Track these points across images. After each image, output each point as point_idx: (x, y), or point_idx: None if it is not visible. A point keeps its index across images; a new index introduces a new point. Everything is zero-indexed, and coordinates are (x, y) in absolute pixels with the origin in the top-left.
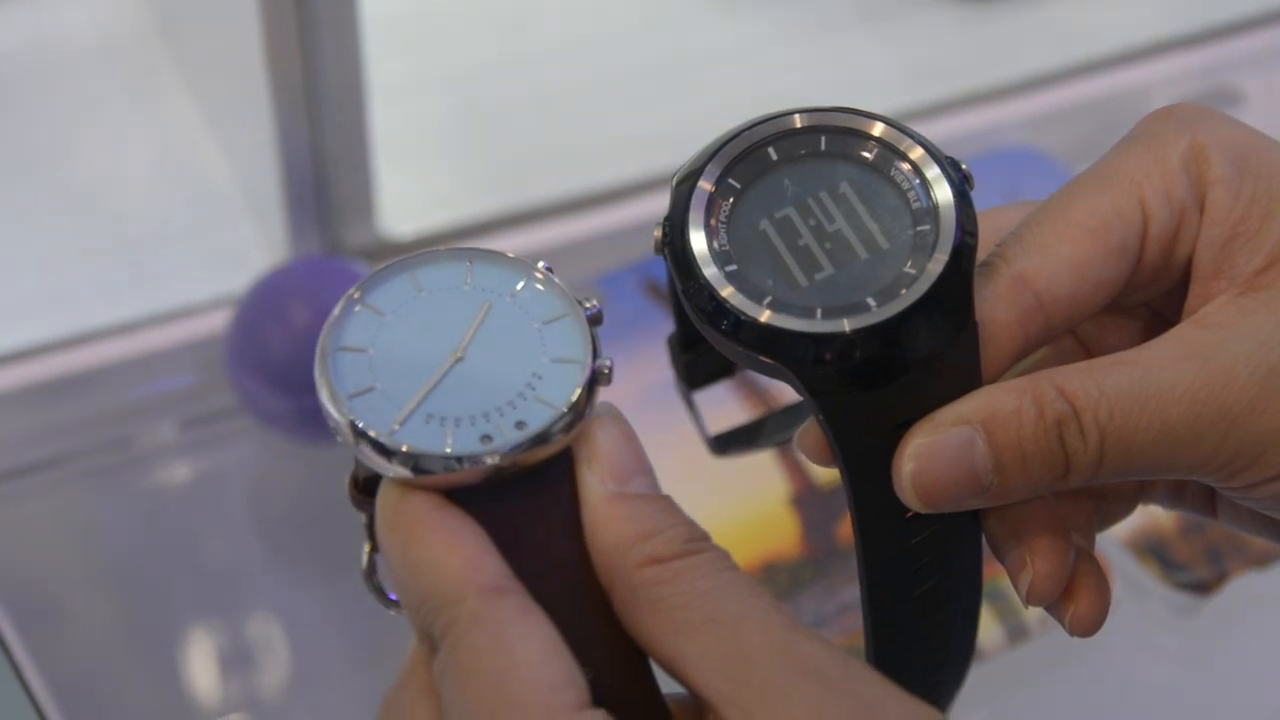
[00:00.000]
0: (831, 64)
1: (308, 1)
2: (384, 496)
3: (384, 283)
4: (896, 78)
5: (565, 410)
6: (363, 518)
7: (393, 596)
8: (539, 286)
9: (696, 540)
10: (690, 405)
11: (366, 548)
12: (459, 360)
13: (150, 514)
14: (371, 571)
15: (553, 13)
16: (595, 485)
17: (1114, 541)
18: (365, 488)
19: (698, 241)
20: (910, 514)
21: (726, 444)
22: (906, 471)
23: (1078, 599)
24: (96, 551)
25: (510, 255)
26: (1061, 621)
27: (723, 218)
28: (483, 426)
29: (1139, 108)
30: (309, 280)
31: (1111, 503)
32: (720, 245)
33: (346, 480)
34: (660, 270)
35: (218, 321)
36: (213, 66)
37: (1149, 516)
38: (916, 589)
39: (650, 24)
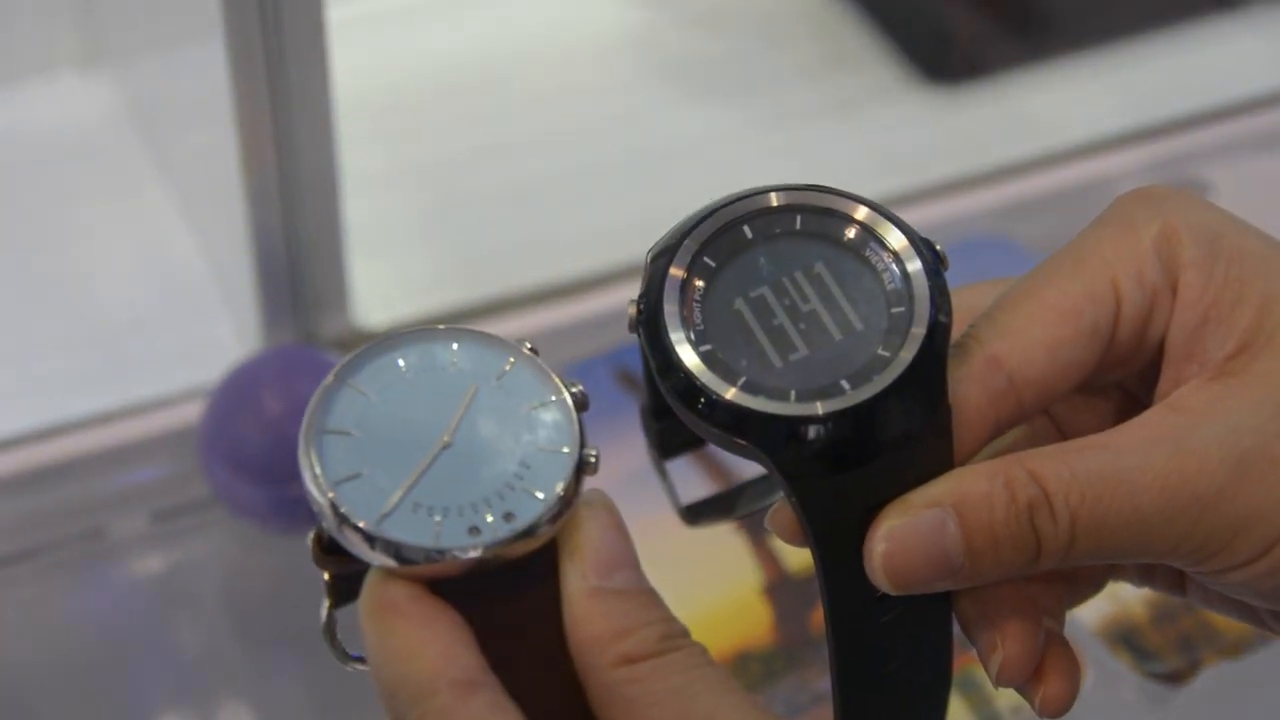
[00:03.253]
0: (802, 154)
1: (282, 93)
2: (368, 583)
3: (369, 363)
4: (867, 167)
5: (553, 502)
6: (324, 575)
7: (353, 654)
8: (525, 369)
9: (672, 638)
10: (663, 475)
11: (326, 604)
12: (446, 446)
13: (123, 605)
14: (330, 629)
15: (525, 105)
16: (576, 580)
17: (1086, 630)
18: (328, 547)
19: (672, 320)
20: (881, 594)
21: (699, 514)
22: (878, 553)
23: (1048, 680)
24: (70, 643)
25: (496, 336)
26: (1031, 703)
27: (697, 296)
28: (470, 518)
29: (1108, 197)
30: (281, 370)
31: (1081, 582)
32: (695, 325)
33: (310, 537)
34: (632, 359)
35: (191, 413)
36: (187, 158)
37: (1121, 606)
38: (886, 668)
39: (622, 116)
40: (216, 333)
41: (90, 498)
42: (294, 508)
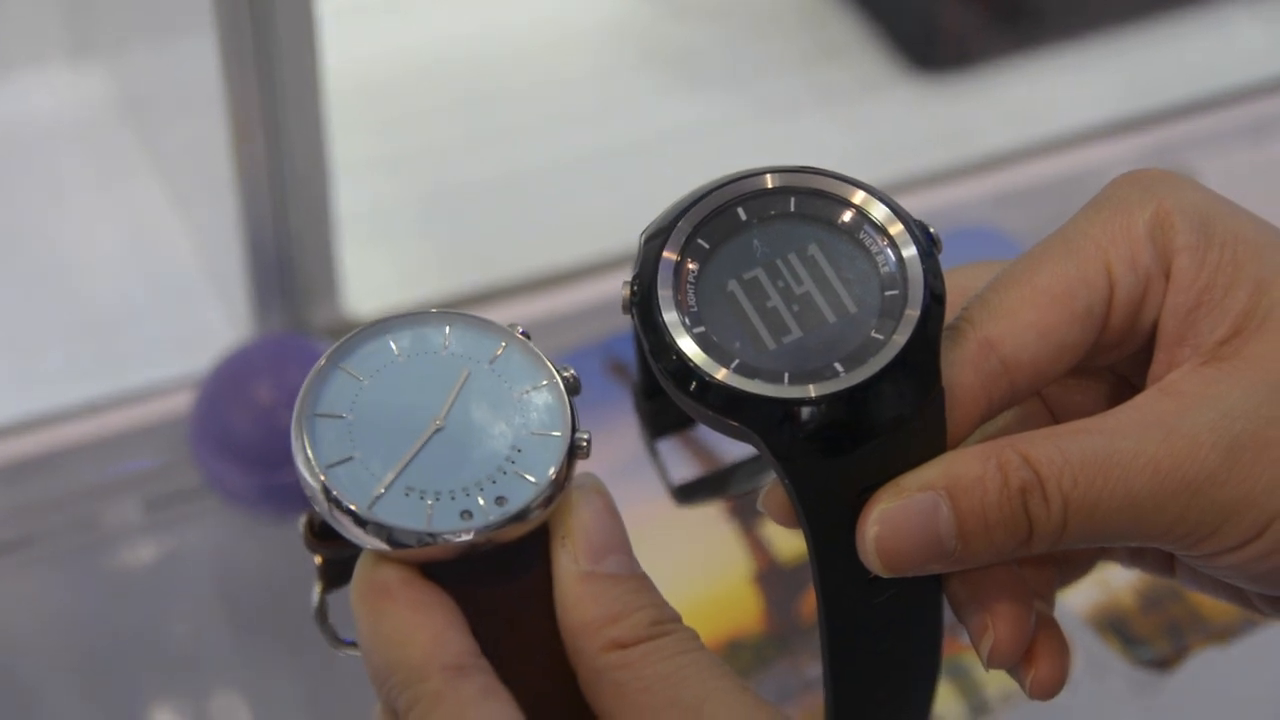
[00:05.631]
0: (791, 144)
1: (272, 83)
2: (359, 566)
3: (362, 345)
4: (856, 157)
5: (545, 486)
6: (315, 560)
7: (346, 639)
8: (517, 353)
9: (663, 623)
10: (654, 455)
11: (317, 588)
12: (438, 430)
13: (116, 594)
14: (322, 613)
15: (515, 93)
16: (567, 564)
17: (1075, 617)
18: (320, 532)
19: (665, 302)
20: (872, 576)
21: (691, 494)
22: (870, 536)
23: (1038, 662)
24: (62, 632)
25: (488, 320)
26: (1022, 685)
27: (690, 278)
28: (463, 502)
29: (1097, 187)
30: (272, 359)
31: (1071, 564)
32: (688, 307)
33: (301, 521)
34: (623, 348)
35: (182, 402)
36: (178, 149)
37: (1109, 593)
38: (877, 649)
39: (612, 105)
40: (207, 322)
41: (82, 487)
42: (284, 495)
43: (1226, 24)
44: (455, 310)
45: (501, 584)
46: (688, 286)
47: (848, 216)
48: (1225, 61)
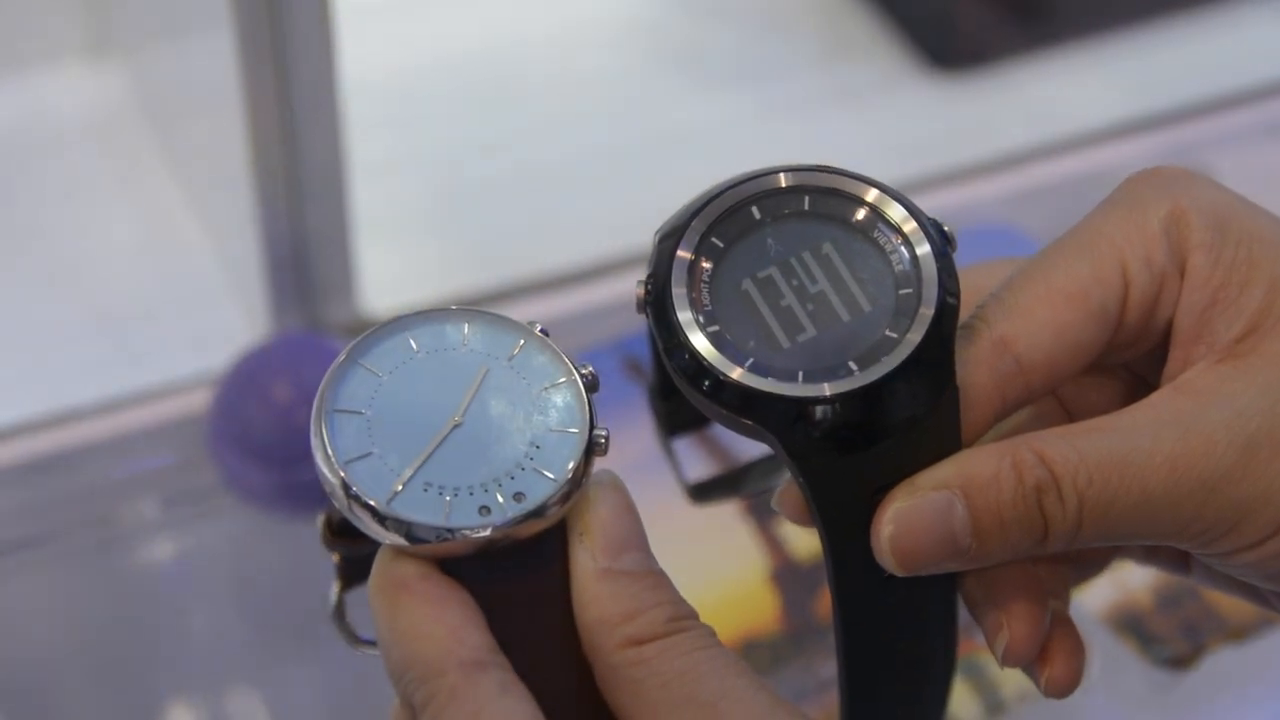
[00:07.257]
0: (807, 142)
1: (289, 81)
2: (378, 561)
3: (381, 342)
4: (873, 155)
5: (563, 483)
6: (333, 558)
7: (363, 636)
8: (536, 350)
9: (680, 619)
10: (669, 454)
11: (335, 587)
12: (457, 426)
13: (132, 592)
14: (340, 611)
15: (531, 92)
16: (585, 560)
17: (1091, 616)
18: (338, 530)
19: (680, 301)
20: (887, 575)
21: (705, 493)
22: (885, 535)
23: (1053, 661)
24: (79, 630)
25: (507, 317)
26: (1037, 683)
27: (705, 277)
28: (481, 497)
29: (1114, 186)
30: (289, 357)
31: (1086, 562)
32: (702, 305)
33: (320, 519)
34: (639, 347)
35: (200, 400)
36: (195, 147)
37: (1125, 592)
38: (892, 649)
39: (629, 103)
40: (224, 320)
41: (99, 484)
42: (302, 493)
43: (1243, 23)
44: (475, 307)
45: (519, 580)
46: (702, 285)
47: (862, 215)
48: (1242, 60)
